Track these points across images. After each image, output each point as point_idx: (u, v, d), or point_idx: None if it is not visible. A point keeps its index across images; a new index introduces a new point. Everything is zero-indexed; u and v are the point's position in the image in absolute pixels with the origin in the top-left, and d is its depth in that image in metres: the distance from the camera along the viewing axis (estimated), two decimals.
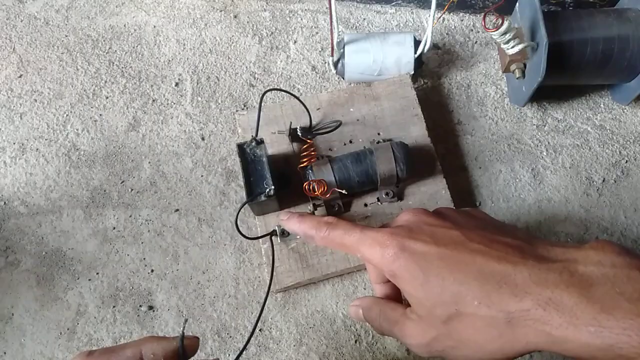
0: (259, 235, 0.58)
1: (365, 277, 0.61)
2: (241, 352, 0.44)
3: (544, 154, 0.67)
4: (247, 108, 0.70)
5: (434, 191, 0.61)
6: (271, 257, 0.56)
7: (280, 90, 0.68)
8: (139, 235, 0.64)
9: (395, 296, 0.45)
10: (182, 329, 0.38)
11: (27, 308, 0.61)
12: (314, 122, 0.63)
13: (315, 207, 0.60)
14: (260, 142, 0.57)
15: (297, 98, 0.62)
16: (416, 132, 0.64)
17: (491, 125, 0.69)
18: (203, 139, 0.69)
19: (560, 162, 0.67)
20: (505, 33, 0.59)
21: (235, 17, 0.77)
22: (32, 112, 0.71)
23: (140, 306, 0.60)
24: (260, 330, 0.59)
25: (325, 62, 0.73)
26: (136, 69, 0.73)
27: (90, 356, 0.36)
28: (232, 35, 0.75)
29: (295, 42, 0.75)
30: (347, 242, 0.42)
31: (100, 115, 0.71)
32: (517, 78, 0.63)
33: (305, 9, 0.77)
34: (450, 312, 0.35)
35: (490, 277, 0.34)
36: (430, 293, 0.35)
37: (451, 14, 0.76)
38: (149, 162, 0.68)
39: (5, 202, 0.66)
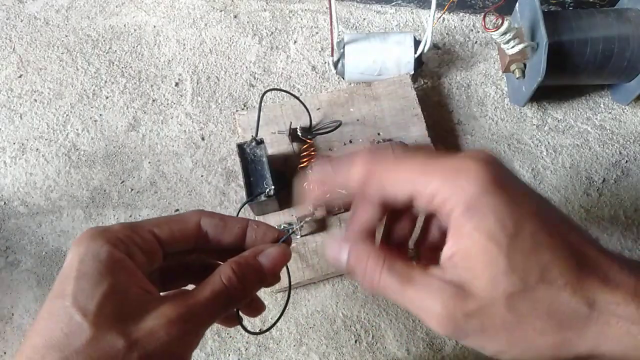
0: None
1: None
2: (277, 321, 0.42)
3: (544, 154, 0.67)
4: (247, 108, 0.70)
5: None
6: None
7: (280, 90, 0.68)
8: None
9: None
10: (292, 230, 0.35)
11: (27, 308, 0.61)
12: (314, 122, 0.63)
13: (315, 207, 0.60)
14: (260, 142, 0.57)
15: (297, 98, 0.62)
16: (416, 132, 0.64)
17: (491, 125, 0.69)
18: (203, 139, 0.69)
19: (560, 162, 0.67)
20: (505, 33, 0.59)
21: (235, 17, 0.77)
22: (32, 112, 0.71)
23: None
24: (260, 330, 0.59)
25: (325, 62, 0.73)
26: (136, 69, 0.73)
27: (203, 213, 0.33)
28: (232, 35, 0.75)
29: (295, 42, 0.75)
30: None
31: (100, 115, 0.71)
32: (517, 78, 0.63)
33: (305, 9, 0.77)
34: (523, 284, 0.26)
35: (583, 257, 0.27)
36: (513, 252, 0.26)
37: (451, 14, 0.76)
38: (149, 162, 0.68)
39: (5, 202, 0.66)
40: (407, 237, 0.34)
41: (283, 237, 0.35)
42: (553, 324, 0.26)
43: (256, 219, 0.35)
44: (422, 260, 0.34)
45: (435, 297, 0.26)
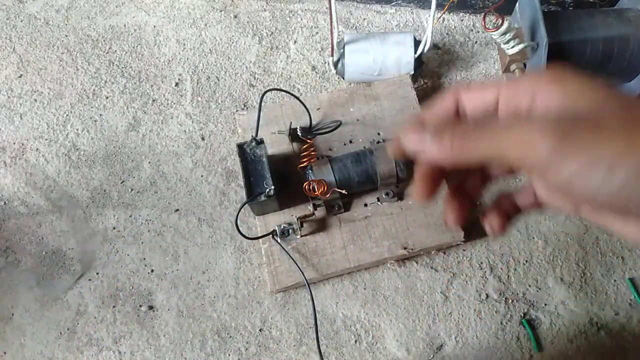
0: (259, 235, 0.58)
1: (365, 277, 0.61)
2: None
3: None
4: (247, 108, 0.70)
5: None
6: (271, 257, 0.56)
7: (280, 90, 0.68)
8: (139, 235, 0.64)
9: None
10: None
11: (27, 308, 0.61)
12: (314, 122, 0.63)
13: (315, 207, 0.60)
14: (260, 142, 0.57)
15: (297, 98, 0.62)
16: None
17: None
18: (203, 139, 0.69)
19: None
20: (505, 33, 0.59)
21: (235, 17, 0.77)
22: (32, 112, 0.71)
23: (140, 306, 0.60)
24: (260, 330, 0.59)
25: (325, 62, 0.73)
26: (136, 69, 0.73)
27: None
28: (232, 35, 0.75)
29: (295, 42, 0.75)
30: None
31: (100, 115, 0.71)
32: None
33: (305, 9, 0.77)
34: (630, 99, 0.22)
35: None
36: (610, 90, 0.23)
37: (451, 14, 0.76)
38: (149, 162, 0.68)
39: (5, 202, 0.66)
40: (476, 192, 0.33)
41: None
42: None
43: None
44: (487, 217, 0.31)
45: (538, 120, 0.22)
